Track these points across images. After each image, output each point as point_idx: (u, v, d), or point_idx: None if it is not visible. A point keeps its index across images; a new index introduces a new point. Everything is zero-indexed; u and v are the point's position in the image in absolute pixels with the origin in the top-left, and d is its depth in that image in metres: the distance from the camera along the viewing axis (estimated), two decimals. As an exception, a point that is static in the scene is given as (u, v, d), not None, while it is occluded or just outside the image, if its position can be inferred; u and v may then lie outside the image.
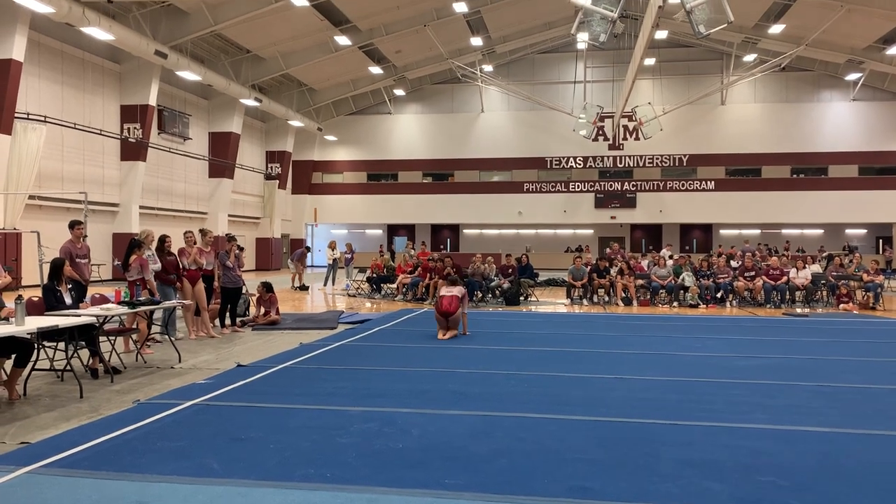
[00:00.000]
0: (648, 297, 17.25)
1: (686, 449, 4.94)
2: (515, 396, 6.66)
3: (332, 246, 22.85)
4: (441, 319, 10.81)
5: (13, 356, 6.51)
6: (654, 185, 36.53)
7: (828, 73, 34.69)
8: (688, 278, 16.88)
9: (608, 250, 21.56)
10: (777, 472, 4.42)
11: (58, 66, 22.23)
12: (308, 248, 25.87)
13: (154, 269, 9.94)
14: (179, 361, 8.48)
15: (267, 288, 12.60)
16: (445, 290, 11.08)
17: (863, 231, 37.63)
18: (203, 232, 11.26)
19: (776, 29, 28.99)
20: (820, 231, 37.41)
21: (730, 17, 15.94)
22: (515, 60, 37.24)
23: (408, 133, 38.50)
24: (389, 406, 6.13)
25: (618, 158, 36.89)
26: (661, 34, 29.92)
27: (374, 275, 19.98)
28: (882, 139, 34.68)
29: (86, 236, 9.84)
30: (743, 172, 36.30)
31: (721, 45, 33.59)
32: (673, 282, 17.03)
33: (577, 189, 37.09)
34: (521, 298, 17.68)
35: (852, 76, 33.56)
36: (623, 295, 17.19)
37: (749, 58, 33.51)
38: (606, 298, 17.58)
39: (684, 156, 36.37)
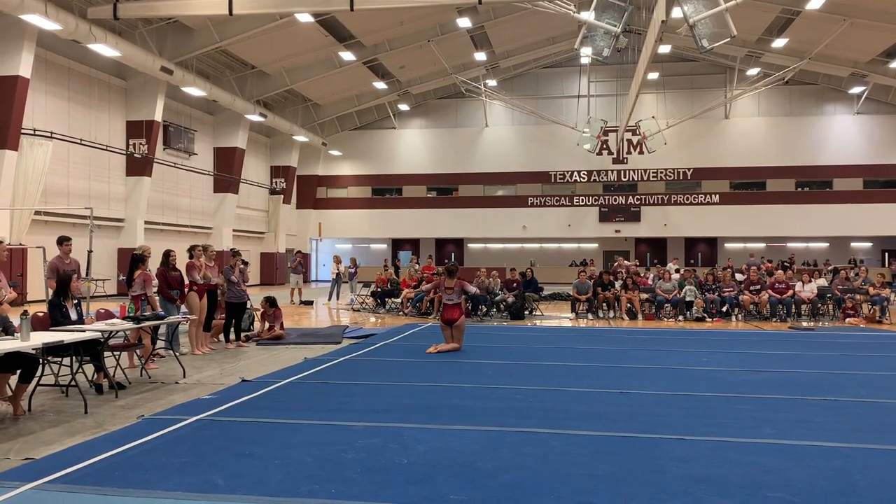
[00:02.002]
0: (653, 310, 17.20)
1: (693, 464, 4.90)
2: (520, 411, 6.62)
3: (337, 260, 22.86)
4: (446, 328, 10.91)
5: (18, 371, 6.51)
6: (658, 198, 36.52)
7: (831, 86, 34.72)
8: (689, 293, 16.84)
9: (613, 265, 21.53)
10: (786, 489, 4.37)
11: (64, 83, 22.38)
12: (301, 252, 25.49)
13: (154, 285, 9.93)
14: (184, 377, 8.46)
15: (271, 303, 12.60)
16: (446, 297, 11.17)
17: (868, 244, 37.52)
18: (205, 247, 11.28)
19: (779, 43, 29.06)
20: (825, 244, 37.30)
21: (733, 32, 16.01)
22: (519, 75, 37.37)
23: (412, 148, 38.61)
24: (394, 421, 6.11)
25: (622, 172, 36.90)
26: (665, 48, 30.00)
27: (379, 289, 19.98)
28: (886, 152, 34.64)
29: (90, 251, 9.83)
30: (747, 186, 36.26)
31: (724, 59, 33.67)
32: (678, 295, 16.99)
33: (581, 203, 37.10)
34: (526, 313, 17.63)
35: (856, 89, 33.55)
36: (628, 307, 17.14)
37: (752, 72, 33.56)
38: (612, 314, 17.53)
39: (689, 169, 36.37)
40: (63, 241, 9.45)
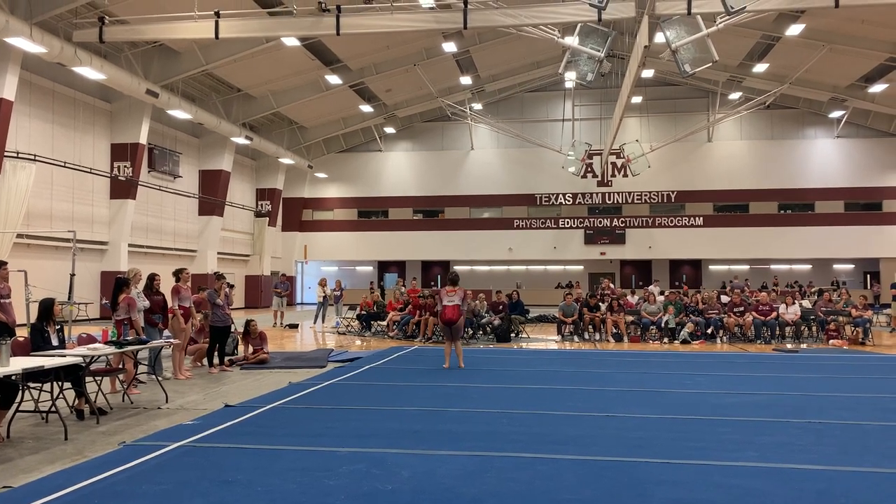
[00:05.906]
0: (639, 333, 17.24)
1: (678, 488, 4.90)
2: (507, 435, 6.60)
3: (323, 283, 22.77)
4: (446, 329, 10.99)
5: (-3, 398, 6.42)
6: (642, 221, 36.77)
7: (812, 110, 35.26)
8: (671, 319, 16.83)
9: (598, 287, 21.58)
10: (770, 512, 4.38)
11: (49, 105, 22.31)
12: (285, 275, 25.26)
13: (143, 308, 9.84)
14: (166, 402, 8.37)
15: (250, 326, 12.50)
16: (447, 299, 11.32)
17: (850, 266, 37.90)
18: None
19: (760, 68, 29.58)
20: (808, 266, 37.66)
21: (714, 57, 16.27)
22: (504, 99, 37.68)
23: (398, 170, 38.72)
24: (379, 447, 6.07)
25: (607, 195, 37.16)
26: (648, 73, 30.35)
27: (365, 312, 19.90)
28: (866, 175, 35.15)
29: (72, 274, 9.72)
30: (731, 208, 36.61)
31: (707, 83, 34.12)
32: (663, 318, 17.04)
33: (566, 225, 37.28)
34: (512, 335, 17.62)
35: (836, 113, 34.11)
36: (614, 331, 17.17)
37: (734, 96, 34.06)
38: (598, 336, 17.54)
39: (672, 192, 36.69)
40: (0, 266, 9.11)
